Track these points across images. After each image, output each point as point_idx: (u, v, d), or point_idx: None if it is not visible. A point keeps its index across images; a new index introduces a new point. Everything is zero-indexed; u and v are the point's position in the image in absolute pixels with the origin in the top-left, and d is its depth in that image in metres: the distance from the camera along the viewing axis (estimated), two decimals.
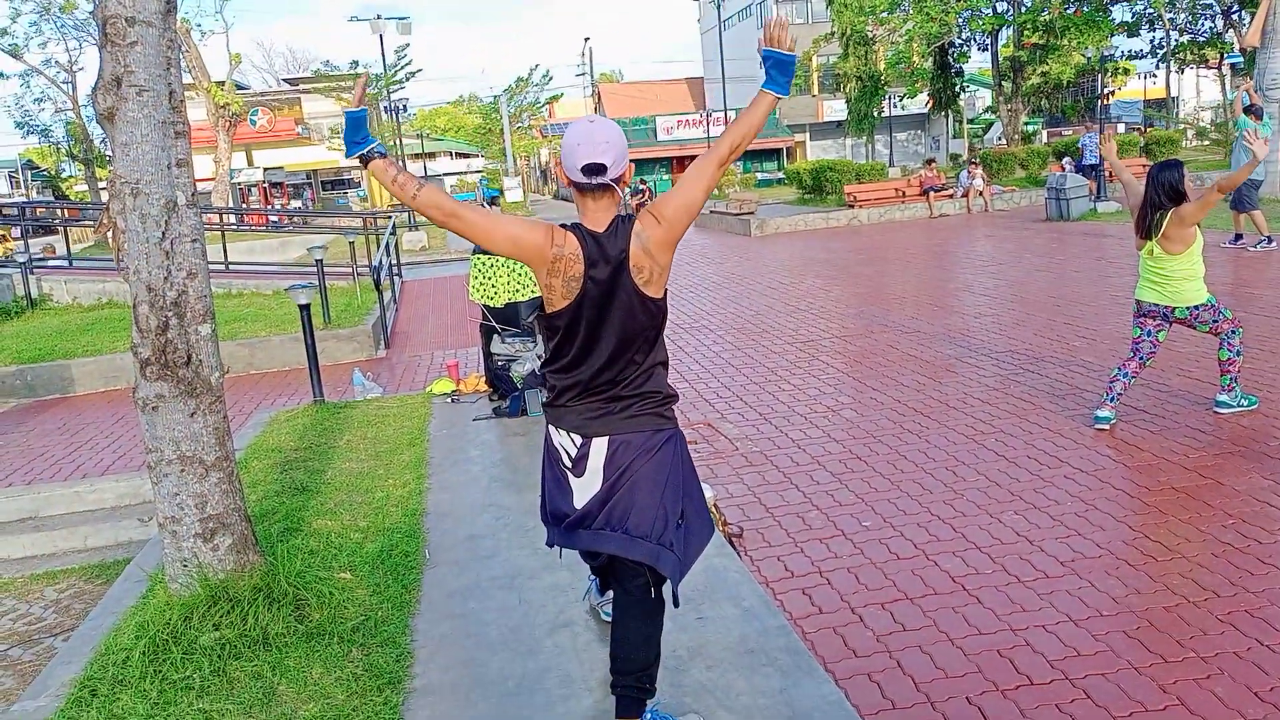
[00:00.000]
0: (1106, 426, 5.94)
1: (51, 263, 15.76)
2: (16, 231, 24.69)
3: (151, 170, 3.44)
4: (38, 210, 28.36)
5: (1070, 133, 37.06)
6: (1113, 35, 29.57)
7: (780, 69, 2.62)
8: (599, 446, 2.56)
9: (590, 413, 2.56)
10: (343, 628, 3.50)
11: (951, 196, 22.33)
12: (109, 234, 3.66)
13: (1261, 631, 3.54)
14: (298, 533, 4.45)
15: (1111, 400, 5.99)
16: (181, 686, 3.16)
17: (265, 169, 44.29)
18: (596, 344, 2.54)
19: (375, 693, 3.07)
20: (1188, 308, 5.72)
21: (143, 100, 3.42)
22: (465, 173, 56.08)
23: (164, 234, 3.47)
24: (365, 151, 2.59)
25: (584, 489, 2.60)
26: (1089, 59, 29.17)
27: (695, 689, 2.96)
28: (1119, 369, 6.00)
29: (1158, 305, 5.80)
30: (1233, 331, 5.81)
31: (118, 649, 3.43)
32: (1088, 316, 9.37)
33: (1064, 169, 19.46)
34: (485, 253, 6.97)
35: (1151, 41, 34.33)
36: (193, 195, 3.59)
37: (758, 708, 2.83)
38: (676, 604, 2.65)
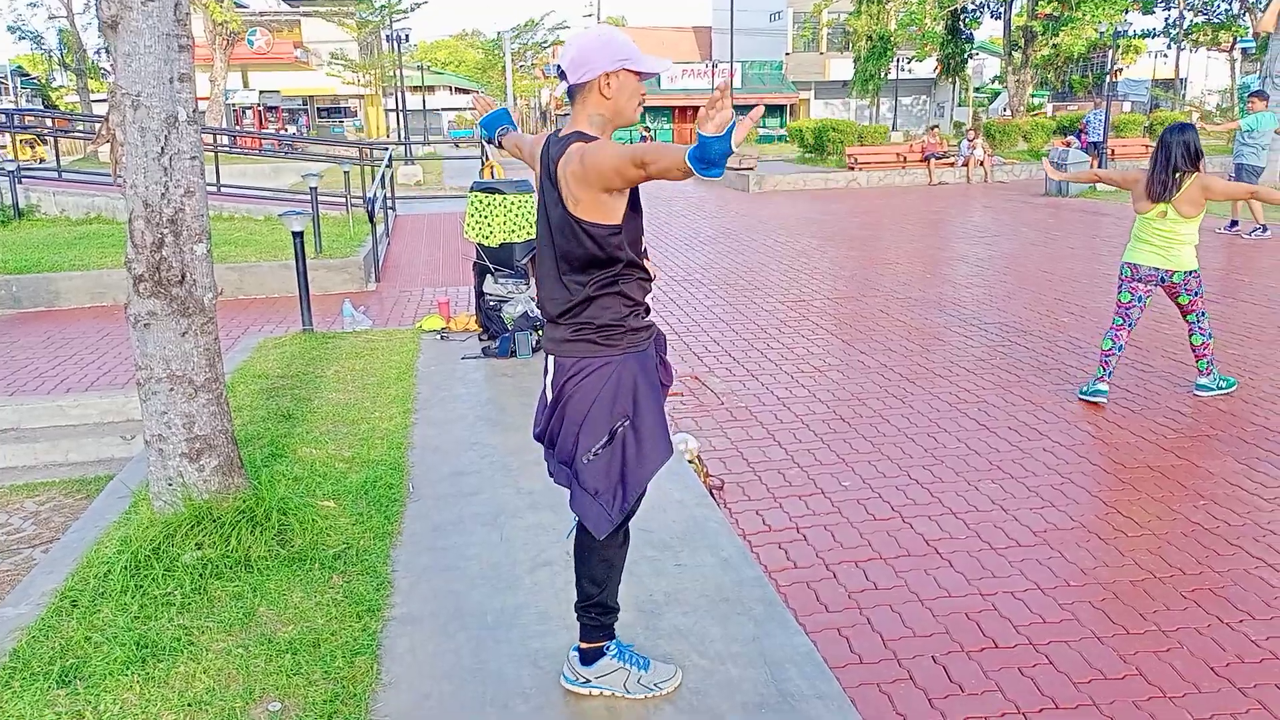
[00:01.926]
0: (1104, 400, 6.00)
1: (40, 173, 15.52)
2: (4, 139, 24.32)
3: (153, 83, 3.38)
4: (26, 118, 27.86)
5: (1076, 108, 36.83)
6: (1128, 11, 29.25)
7: (703, 152, 2.01)
8: (550, 365, 2.59)
9: (549, 330, 2.59)
10: (324, 554, 3.54)
11: (953, 165, 22.23)
12: (107, 145, 3.61)
13: (1222, 609, 3.63)
14: (282, 459, 4.48)
15: (1108, 375, 6.04)
16: (162, 602, 3.19)
17: (261, 91, 43.58)
18: (543, 259, 2.57)
19: (354, 619, 3.11)
20: (1184, 272, 5.77)
21: (148, 10, 3.35)
22: (464, 109, 55.32)
23: (163, 149, 3.43)
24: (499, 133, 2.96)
25: (542, 407, 2.65)
26: (1102, 34, 28.83)
27: (670, 633, 3.02)
28: (1112, 341, 6.01)
29: (1156, 269, 5.80)
30: (1202, 313, 5.90)
31: (99, 562, 3.46)
32: (1078, 292, 9.41)
33: (1069, 144, 19.36)
34: (485, 190, 6.92)
35: (1166, 20, 34.00)
36: (193, 112, 3.54)
37: (730, 654, 2.89)
38: (589, 538, 2.60)
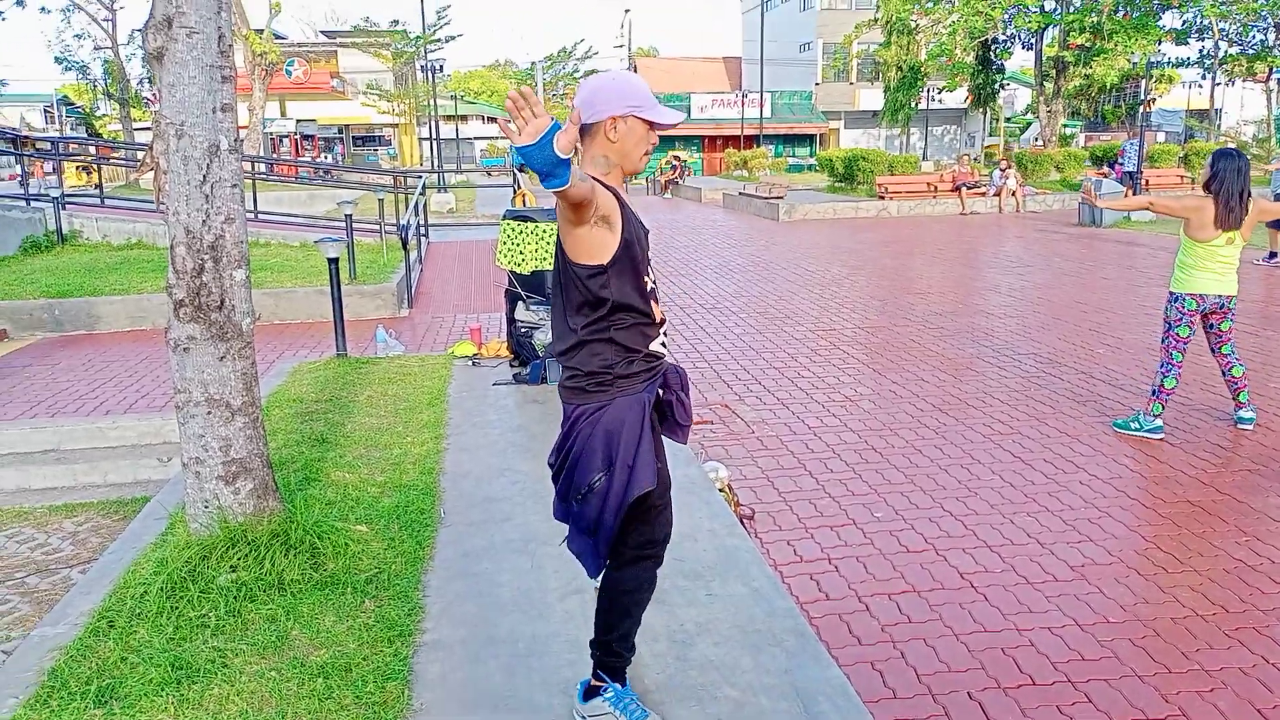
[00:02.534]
0: (1163, 435, 5.94)
1: (83, 199, 15.86)
2: (48, 166, 24.91)
3: (196, 113, 3.46)
4: (70, 146, 28.55)
5: (1109, 138, 36.60)
6: (1161, 42, 29.11)
7: (526, 162, 2.03)
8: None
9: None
10: (356, 579, 3.55)
11: (984, 194, 22.14)
12: (151, 173, 3.69)
13: (1268, 649, 3.55)
14: (316, 483, 4.51)
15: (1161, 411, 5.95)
16: (197, 624, 3.21)
17: (298, 120, 44.37)
18: (554, 296, 2.58)
19: (386, 644, 3.11)
20: (1235, 297, 5.73)
21: (192, 42, 3.43)
22: (497, 138, 55.94)
23: (205, 177, 3.50)
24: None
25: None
26: (1135, 64, 28.70)
27: (701, 663, 2.99)
28: (1174, 378, 5.86)
29: (1222, 296, 5.70)
30: (1233, 342, 5.87)
31: (136, 583, 3.49)
32: (1114, 324, 9.31)
33: (1104, 174, 19.23)
34: (517, 218, 6.99)
35: (1200, 50, 33.77)
36: (235, 141, 3.61)
37: (762, 686, 2.86)
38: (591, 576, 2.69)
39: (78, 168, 27.96)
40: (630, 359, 2.50)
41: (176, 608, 3.29)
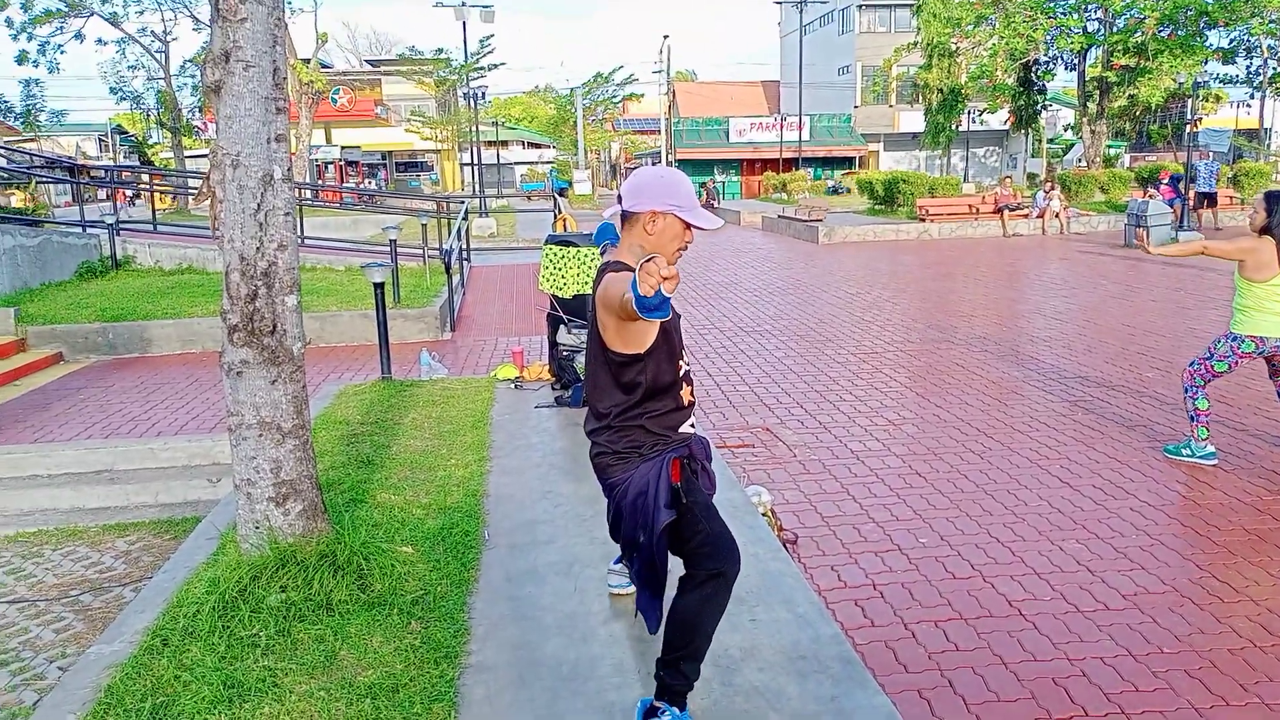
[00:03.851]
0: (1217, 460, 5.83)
1: (137, 226, 16.28)
2: (103, 193, 25.60)
3: (252, 144, 3.55)
4: (124, 174, 29.33)
5: (1154, 158, 36.08)
6: (1207, 61, 28.70)
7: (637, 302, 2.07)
8: None
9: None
10: (403, 600, 3.58)
11: (1027, 216, 21.93)
12: (207, 203, 3.79)
13: None
14: (362, 504, 4.57)
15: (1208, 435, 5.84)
16: (248, 643, 3.26)
17: (343, 147, 45.19)
18: (587, 366, 2.76)
19: (432, 665, 3.14)
20: None
21: (248, 75, 3.53)
22: (536, 163, 56.56)
23: (259, 206, 3.59)
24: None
25: None
26: (1180, 84, 28.31)
27: (746, 690, 2.98)
28: (1204, 398, 5.75)
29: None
30: None
31: (189, 602, 3.55)
32: (1163, 348, 9.15)
33: (1150, 196, 18.94)
34: (558, 242, 7.06)
35: (1247, 69, 33.24)
36: (288, 170, 3.70)
37: (808, 713, 2.84)
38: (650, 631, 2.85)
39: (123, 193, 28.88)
40: (656, 441, 2.67)
41: (228, 627, 3.35)
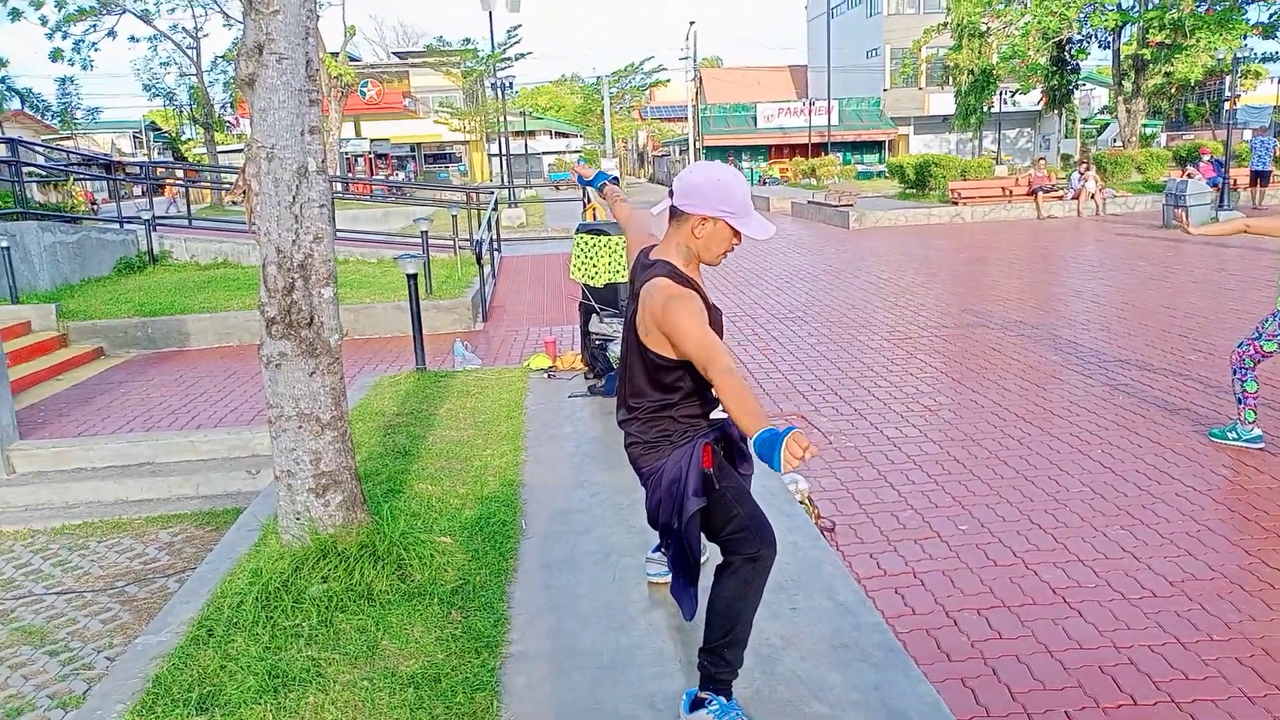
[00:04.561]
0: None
1: (172, 221, 16.48)
2: (139, 190, 25.95)
3: (286, 136, 3.57)
4: (158, 170, 29.68)
5: (1192, 137, 35.38)
6: (1246, 37, 28.04)
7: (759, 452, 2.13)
8: None
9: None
10: (442, 590, 3.60)
11: (1061, 198, 21.59)
12: (242, 196, 3.81)
13: None
14: (400, 495, 4.59)
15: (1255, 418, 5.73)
16: (291, 633, 3.29)
17: (372, 140, 45.43)
18: (622, 357, 2.75)
19: (473, 654, 3.15)
20: None
21: (282, 68, 3.54)
22: (564, 152, 56.56)
23: (294, 198, 3.60)
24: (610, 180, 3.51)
25: None
26: (1219, 60, 27.68)
27: (788, 678, 2.96)
28: (1253, 380, 5.64)
29: None
30: None
31: (233, 593, 3.59)
32: (1205, 329, 8.97)
33: (1189, 175, 18.57)
34: (590, 231, 7.04)
35: None
36: (322, 162, 3.71)
37: (851, 702, 2.82)
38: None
39: (162, 188, 29.35)
40: (686, 428, 2.68)
41: (271, 617, 3.38)
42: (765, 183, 41.11)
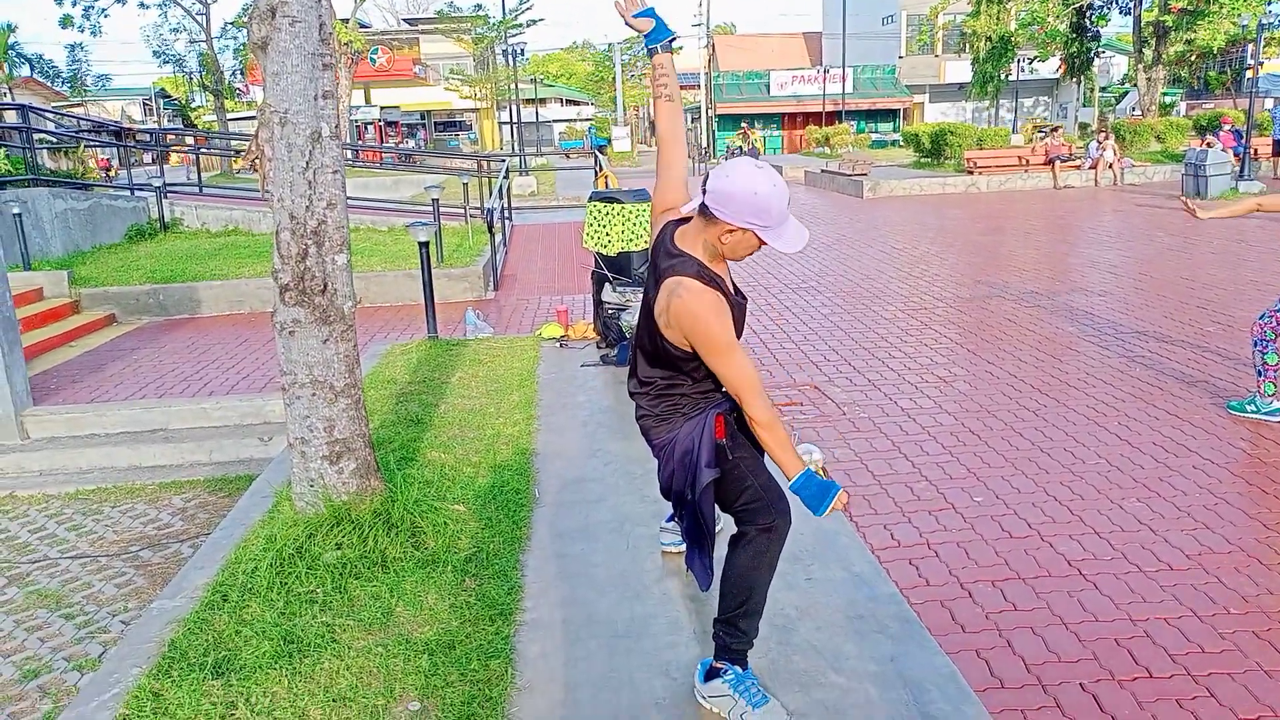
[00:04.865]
0: None
1: (183, 188, 16.45)
2: (149, 157, 25.90)
3: (299, 100, 3.52)
4: (168, 137, 29.62)
5: (1212, 105, 34.88)
6: (1271, 3, 27.53)
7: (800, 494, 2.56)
8: None
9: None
10: (456, 557, 3.60)
11: (1079, 168, 21.34)
12: (254, 161, 3.78)
13: None
14: (413, 462, 4.59)
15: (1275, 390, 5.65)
16: (305, 599, 3.30)
17: (382, 107, 45.14)
18: (637, 331, 2.71)
19: (487, 622, 3.15)
20: None
21: (295, 31, 3.49)
22: (575, 120, 56.15)
23: (308, 163, 3.56)
24: (666, 41, 2.80)
25: None
26: (1243, 27, 27.19)
27: (804, 648, 2.95)
28: (1274, 353, 5.56)
29: None
30: None
31: (247, 559, 3.60)
32: (1223, 301, 8.87)
33: (1209, 145, 18.31)
34: (603, 199, 6.98)
35: None
36: (335, 127, 3.67)
37: (867, 673, 2.81)
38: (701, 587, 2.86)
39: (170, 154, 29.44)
40: (698, 401, 2.65)
41: (286, 583, 3.39)
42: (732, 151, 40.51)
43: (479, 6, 44.45)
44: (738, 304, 2.57)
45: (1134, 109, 33.66)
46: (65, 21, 32.04)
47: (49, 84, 39.40)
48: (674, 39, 2.80)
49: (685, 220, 2.56)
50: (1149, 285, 9.83)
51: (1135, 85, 32.21)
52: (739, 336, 2.54)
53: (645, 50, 2.82)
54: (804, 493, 2.50)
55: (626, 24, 2.83)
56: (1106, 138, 21.75)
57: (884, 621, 3.09)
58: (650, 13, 2.81)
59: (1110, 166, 20.95)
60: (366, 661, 2.94)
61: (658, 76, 2.80)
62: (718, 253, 2.50)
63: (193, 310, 10.10)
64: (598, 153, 24.24)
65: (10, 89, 33.58)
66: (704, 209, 2.45)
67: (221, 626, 3.15)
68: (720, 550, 2.76)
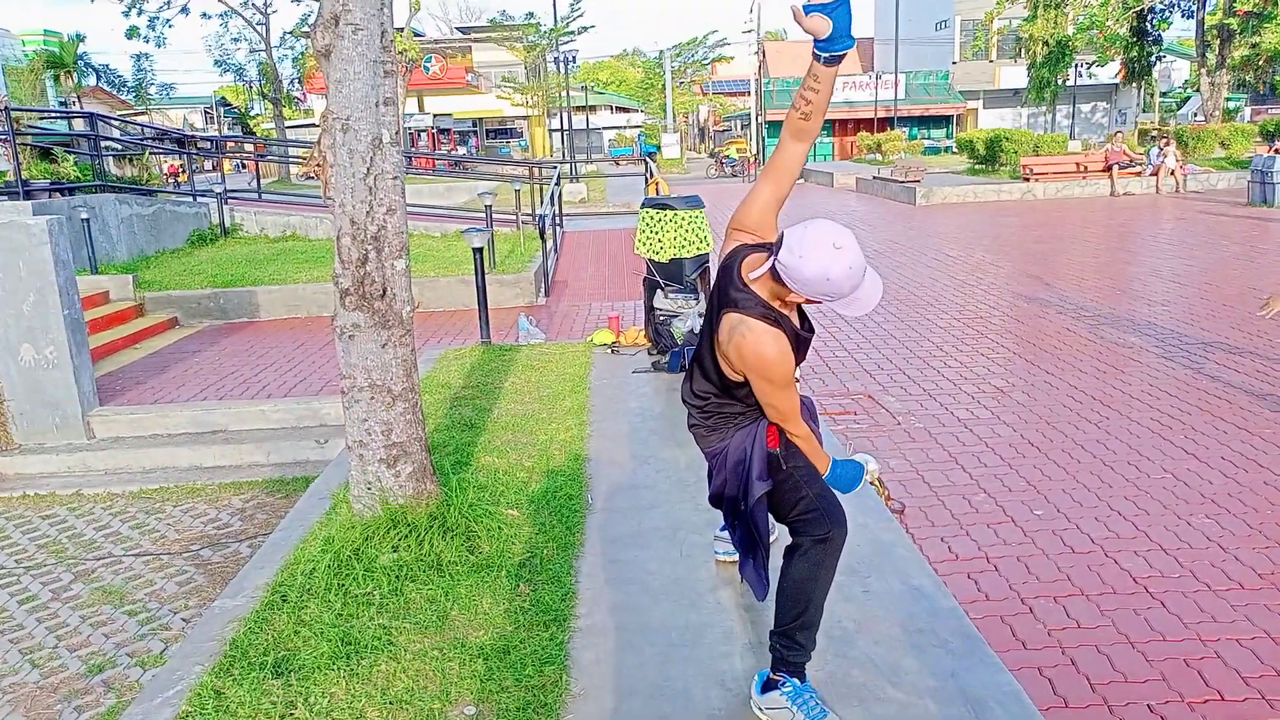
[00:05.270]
0: None
1: (243, 194, 16.80)
2: (209, 164, 26.48)
3: (361, 107, 3.57)
4: (228, 144, 30.30)
5: (1279, 111, 33.88)
6: None
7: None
8: None
9: None
10: (510, 562, 3.61)
11: (1139, 174, 20.86)
12: (316, 168, 3.83)
13: None
14: (467, 467, 4.61)
15: None
16: (363, 601, 3.33)
17: (435, 115, 45.73)
18: (699, 345, 2.69)
19: (542, 628, 3.15)
20: None
21: (357, 39, 3.54)
22: (624, 127, 56.36)
23: (369, 170, 3.60)
24: (838, 54, 2.30)
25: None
26: None
27: (862, 662, 2.90)
28: None
29: None
30: None
31: (305, 560, 3.64)
32: None
33: (1278, 152, 17.79)
34: (655, 206, 6.98)
35: None
36: (396, 133, 3.71)
37: (927, 688, 2.75)
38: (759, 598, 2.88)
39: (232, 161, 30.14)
40: (749, 409, 2.63)
41: (343, 585, 3.42)
42: (722, 163, 40.18)
43: (531, 14, 44.80)
44: (804, 338, 2.52)
45: (1196, 114, 32.83)
46: (131, 32, 32.97)
47: (115, 93, 40.54)
48: (845, 53, 2.31)
49: (759, 246, 2.46)
50: (1214, 295, 9.57)
51: (1198, 90, 31.45)
52: (800, 363, 2.51)
53: (813, 54, 2.31)
54: (840, 480, 2.64)
55: (797, 22, 2.30)
56: (1168, 143, 21.25)
57: (944, 636, 3.03)
58: (835, 9, 2.23)
59: (1172, 173, 20.46)
60: (422, 665, 2.95)
61: (806, 89, 2.36)
62: (776, 297, 2.43)
63: (251, 314, 10.30)
64: (648, 159, 24.26)
65: (79, 98, 34.60)
66: (775, 272, 2.33)
67: (281, 626, 3.19)
68: (776, 560, 2.72)
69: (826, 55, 2.28)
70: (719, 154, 39.36)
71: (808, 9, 2.26)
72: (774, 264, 2.32)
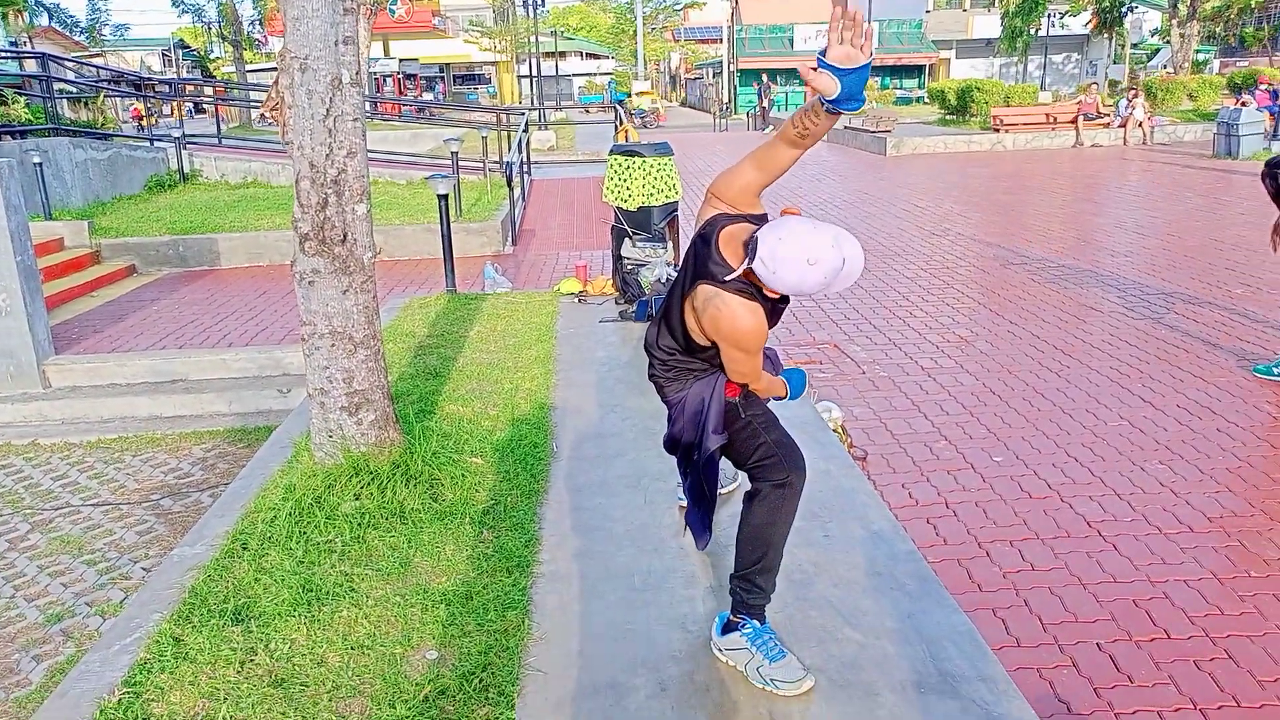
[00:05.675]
0: None
1: (202, 139, 16.41)
2: (168, 109, 25.82)
3: (320, 46, 3.47)
4: (187, 88, 29.50)
5: (1248, 63, 34.08)
6: None
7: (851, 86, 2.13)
8: None
9: None
10: (473, 510, 3.61)
11: (1108, 126, 20.93)
12: (274, 109, 3.74)
13: None
14: (431, 415, 4.59)
15: None
16: (324, 549, 3.32)
17: (400, 60, 44.75)
18: (664, 308, 2.68)
19: (504, 574, 3.16)
20: None
21: None
22: (594, 74, 55.53)
23: (328, 111, 3.52)
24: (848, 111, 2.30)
25: None
26: None
27: (820, 603, 2.95)
28: None
29: None
30: None
31: (266, 508, 3.63)
32: (1252, 263, 8.72)
33: (1244, 104, 17.90)
34: (623, 153, 6.90)
35: None
36: (356, 74, 3.62)
37: (885, 629, 2.80)
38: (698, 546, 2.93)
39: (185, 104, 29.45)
40: (709, 366, 2.63)
41: (304, 532, 3.41)
42: (631, 115, 39.04)
43: None
44: (779, 307, 2.48)
45: (1165, 66, 32.91)
46: None
47: (68, 34, 39.22)
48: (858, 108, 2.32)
49: (738, 218, 2.42)
50: (1176, 246, 9.68)
51: (1168, 41, 31.49)
52: (772, 327, 2.49)
53: (819, 99, 2.27)
54: (794, 392, 2.78)
55: (804, 79, 2.28)
56: (1136, 95, 21.31)
57: (901, 579, 3.08)
58: (848, 75, 2.22)
59: (1140, 125, 20.55)
60: (384, 610, 2.96)
61: (807, 119, 2.32)
62: (752, 281, 2.38)
63: (212, 262, 10.12)
64: (618, 106, 23.95)
65: (30, 38, 33.44)
66: (749, 258, 2.29)
67: (241, 574, 3.18)
68: (735, 506, 2.74)
69: (829, 107, 2.25)
70: (626, 105, 36.10)
71: (821, 64, 2.22)
72: (749, 265, 2.28)
